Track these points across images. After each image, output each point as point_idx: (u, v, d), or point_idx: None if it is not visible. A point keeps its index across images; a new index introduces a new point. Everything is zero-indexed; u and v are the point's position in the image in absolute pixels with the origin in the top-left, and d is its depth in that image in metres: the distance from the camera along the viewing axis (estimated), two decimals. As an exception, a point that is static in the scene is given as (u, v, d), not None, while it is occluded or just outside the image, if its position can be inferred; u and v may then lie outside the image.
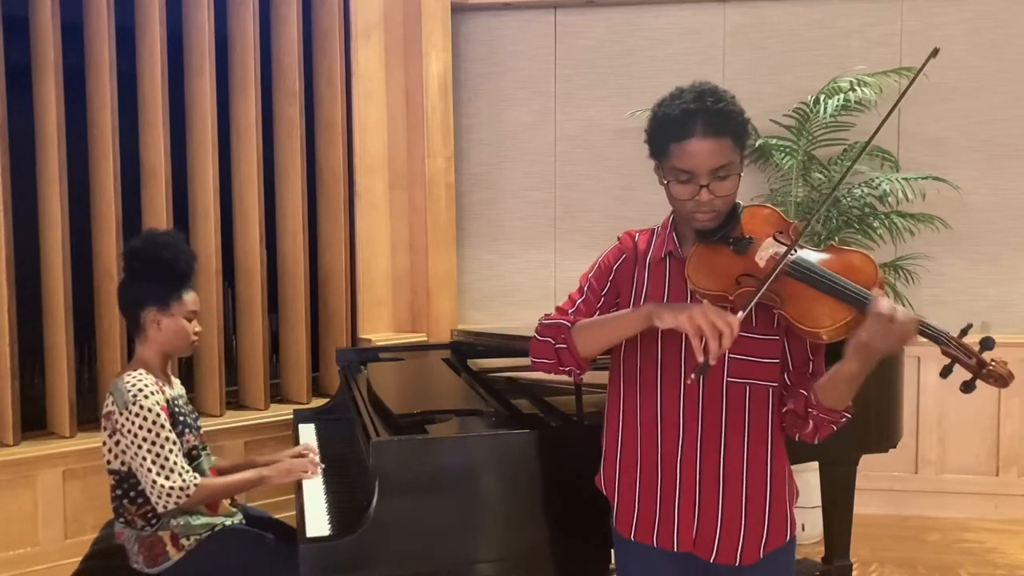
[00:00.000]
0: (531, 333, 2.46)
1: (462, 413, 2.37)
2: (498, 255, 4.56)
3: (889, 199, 3.96)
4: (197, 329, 2.50)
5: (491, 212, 4.54)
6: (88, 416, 3.64)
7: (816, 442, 1.70)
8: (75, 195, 3.52)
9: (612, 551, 2.16)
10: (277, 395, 4.07)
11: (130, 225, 3.63)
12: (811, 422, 1.65)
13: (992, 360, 1.46)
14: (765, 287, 1.55)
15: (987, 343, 1.48)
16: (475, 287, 4.57)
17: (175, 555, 2.36)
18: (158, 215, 3.67)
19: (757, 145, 4.07)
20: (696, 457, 1.69)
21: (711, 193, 1.61)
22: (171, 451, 2.30)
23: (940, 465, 4.29)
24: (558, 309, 1.81)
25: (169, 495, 2.28)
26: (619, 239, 1.82)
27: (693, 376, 1.51)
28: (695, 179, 1.62)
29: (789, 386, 1.71)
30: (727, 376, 1.67)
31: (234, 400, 4.00)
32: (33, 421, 3.53)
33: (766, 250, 1.62)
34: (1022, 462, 4.24)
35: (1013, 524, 4.14)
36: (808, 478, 3.51)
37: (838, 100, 3.89)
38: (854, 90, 3.91)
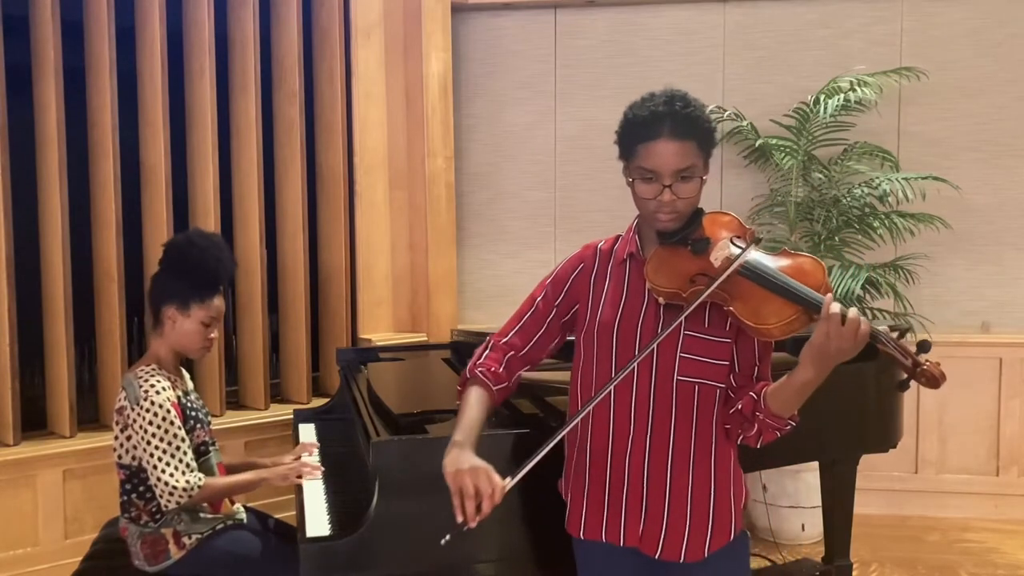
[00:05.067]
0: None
1: (462, 413, 2.36)
2: (498, 255, 4.56)
3: (889, 199, 3.96)
4: (213, 335, 2.48)
5: (491, 212, 4.54)
6: (88, 416, 3.65)
7: (758, 446, 1.73)
8: (75, 195, 3.52)
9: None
10: (277, 395, 4.07)
11: (130, 225, 3.63)
12: (756, 425, 1.68)
13: (927, 360, 1.52)
14: (716, 285, 1.62)
15: (923, 346, 1.57)
16: (475, 287, 4.57)
17: (176, 553, 2.38)
18: (158, 215, 3.67)
19: (757, 145, 4.07)
20: (645, 453, 1.73)
21: (673, 194, 1.66)
22: (179, 448, 2.33)
23: (940, 465, 4.29)
24: (508, 322, 1.88)
25: (172, 493, 2.30)
26: (581, 248, 1.90)
27: (447, 537, 1.56)
28: (659, 179, 1.66)
29: (735, 388, 1.74)
30: (677, 375, 1.71)
31: (234, 400, 4.00)
32: (33, 421, 3.53)
33: (721, 251, 1.68)
34: (1022, 462, 4.24)
35: (1013, 524, 4.14)
36: (808, 478, 3.51)
37: (838, 100, 3.89)
38: (854, 90, 3.91)
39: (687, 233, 1.71)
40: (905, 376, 1.55)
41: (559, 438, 1.64)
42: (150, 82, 3.65)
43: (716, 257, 1.67)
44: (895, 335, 1.54)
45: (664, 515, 1.73)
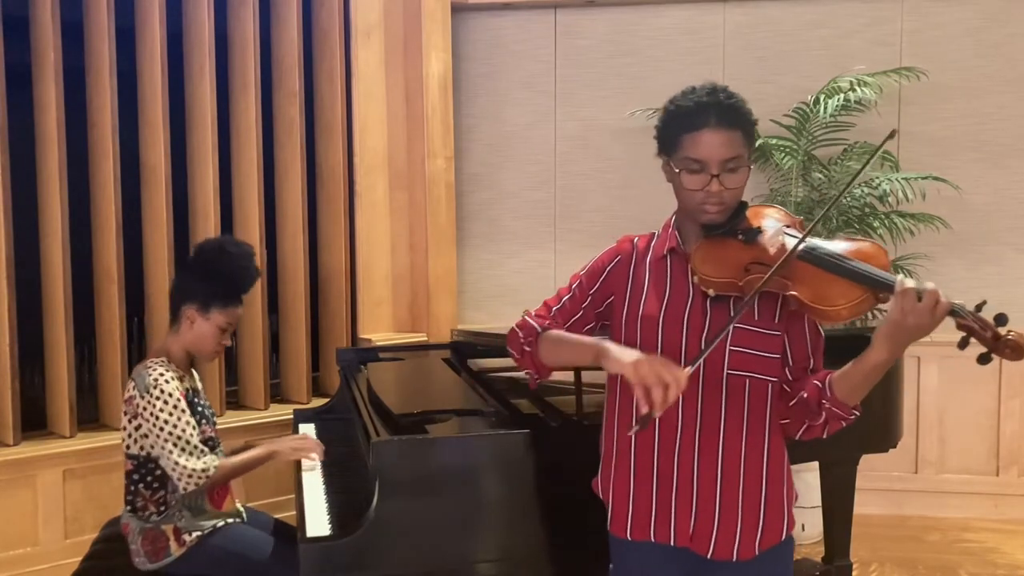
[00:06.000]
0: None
1: (462, 413, 2.37)
2: (498, 255, 4.56)
3: (889, 199, 3.96)
4: (226, 341, 2.55)
5: (491, 212, 4.54)
6: (88, 416, 3.65)
7: (824, 436, 1.70)
8: (75, 195, 3.52)
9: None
10: (277, 395, 4.07)
11: (130, 225, 3.63)
12: (824, 414, 1.66)
13: (1008, 332, 1.48)
14: (775, 269, 1.57)
15: (1001, 319, 1.50)
16: (475, 287, 4.57)
17: (177, 550, 2.39)
18: (158, 215, 3.67)
19: (757, 145, 4.06)
20: (694, 449, 1.70)
21: (721, 184, 1.64)
22: (191, 434, 2.38)
23: (940, 465, 4.29)
24: (544, 304, 1.85)
25: (192, 475, 2.35)
26: (617, 242, 1.84)
27: (636, 428, 1.52)
28: (706, 168, 1.64)
29: (791, 382, 1.72)
30: (727, 368, 1.68)
31: (234, 400, 4.00)
32: (33, 421, 3.53)
33: (775, 238, 1.66)
34: (1022, 462, 4.24)
35: (1013, 524, 4.14)
36: (808, 478, 3.51)
37: (838, 100, 3.89)
38: (854, 90, 3.91)
39: (734, 224, 1.69)
40: (985, 350, 1.49)
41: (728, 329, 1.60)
42: (150, 82, 3.65)
43: (772, 245, 1.64)
44: (971, 308, 1.50)
45: (715, 513, 1.70)
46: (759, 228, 1.68)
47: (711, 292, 1.66)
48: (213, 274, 2.49)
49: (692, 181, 1.66)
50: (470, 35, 4.48)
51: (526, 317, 1.83)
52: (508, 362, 3.02)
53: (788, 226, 1.70)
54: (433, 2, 4.20)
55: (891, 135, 1.61)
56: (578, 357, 1.73)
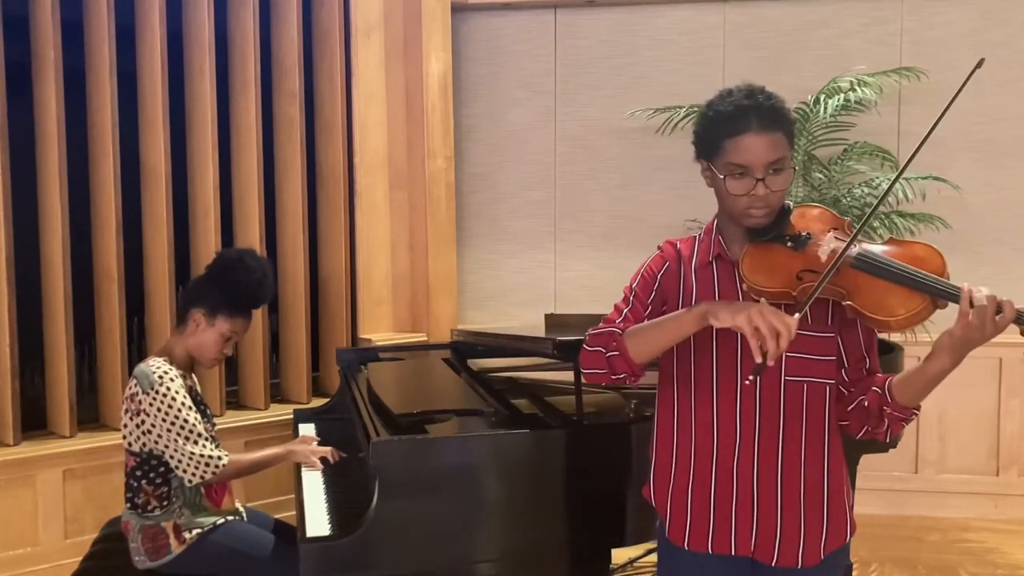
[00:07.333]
0: (531, 333, 2.46)
1: (462, 413, 2.37)
2: (498, 255, 4.56)
3: (889, 199, 3.96)
4: (227, 352, 2.57)
5: (491, 212, 4.54)
6: (88, 416, 3.65)
7: (887, 440, 1.71)
8: (75, 195, 3.52)
9: (612, 550, 2.17)
10: (277, 395, 4.07)
11: (130, 225, 3.63)
12: (886, 420, 1.66)
13: None
14: (828, 277, 1.55)
15: None
16: (475, 287, 4.57)
17: (176, 548, 2.40)
18: (158, 215, 3.67)
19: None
20: (753, 458, 1.68)
21: (767, 187, 1.62)
22: (196, 425, 2.40)
23: (940, 465, 4.29)
24: (606, 320, 1.77)
25: (206, 464, 2.38)
26: (660, 248, 1.80)
27: (751, 377, 1.51)
28: (751, 173, 1.62)
29: (847, 383, 1.71)
30: (785, 375, 1.66)
31: (234, 400, 4.00)
32: (33, 421, 3.53)
33: (827, 245, 1.63)
34: (1022, 462, 4.24)
35: (1013, 524, 4.14)
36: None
37: (838, 100, 3.89)
38: (854, 90, 3.91)
39: (781, 229, 1.67)
40: None
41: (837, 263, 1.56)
42: (150, 82, 3.65)
43: (823, 252, 1.62)
44: None
45: (777, 521, 1.68)
46: (808, 234, 1.65)
47: (763, 301, 1.62)
48: (226, 282, 2.52)
49: (737, 187, 1.64)
50: (470, 35, 4.48)
51: (595, 330, 1.75)
52: (508, 362, 3.05)
53: (836, 228, 1.67)
54: (433, 2, 4.20)
55: (979, 64, 1.55)
56: (675, 333, 1.65)
